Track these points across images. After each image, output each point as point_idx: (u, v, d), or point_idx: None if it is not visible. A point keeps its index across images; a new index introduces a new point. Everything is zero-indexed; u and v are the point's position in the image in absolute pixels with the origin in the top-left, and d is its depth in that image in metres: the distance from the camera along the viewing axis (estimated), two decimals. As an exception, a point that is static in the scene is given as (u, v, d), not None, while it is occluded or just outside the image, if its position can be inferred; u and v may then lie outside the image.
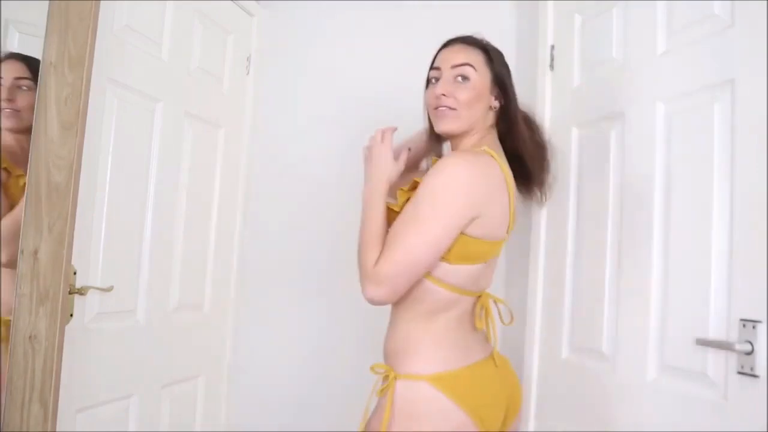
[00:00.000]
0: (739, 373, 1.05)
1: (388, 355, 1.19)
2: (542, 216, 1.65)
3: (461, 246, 1.10)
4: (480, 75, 1.19)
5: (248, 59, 2.09)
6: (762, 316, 1.02)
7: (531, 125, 1.30)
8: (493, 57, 1.22)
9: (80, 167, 1.28)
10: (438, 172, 1.09)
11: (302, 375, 2.01)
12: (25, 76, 1.33)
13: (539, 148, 1.30)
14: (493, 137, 1.23)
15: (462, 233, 1.09)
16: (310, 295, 2.00)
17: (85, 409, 1.42)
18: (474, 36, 1.24)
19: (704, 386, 1.13)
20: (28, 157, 1.22)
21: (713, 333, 1.11)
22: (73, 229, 1.27)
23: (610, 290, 1.38)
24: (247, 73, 2.09)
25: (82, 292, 1.36)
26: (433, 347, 1.13)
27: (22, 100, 1.32)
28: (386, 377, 1.13)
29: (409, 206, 1.10)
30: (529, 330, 1.65)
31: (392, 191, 1.21)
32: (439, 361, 1.12)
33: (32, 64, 1.29)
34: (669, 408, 1.19)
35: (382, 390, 1.13)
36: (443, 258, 1.11)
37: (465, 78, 1.18)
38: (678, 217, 1.22)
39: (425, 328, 1.14)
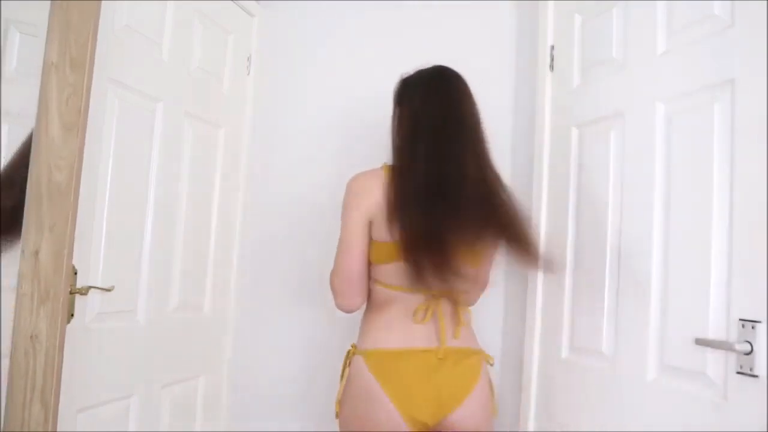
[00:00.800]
0: (739, 373, 1.06)
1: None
2: (542, 215, 1.65)
3: (372, 248, 1.33)
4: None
5: (248, 59, 2.09)
6: (761, 316, 1.03)
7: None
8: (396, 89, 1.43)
9: (81, 167, 1.28)
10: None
11: (302, 375, 2.01)
12: None
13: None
14: None
15: (371, 237, 1.32)
16: (310, 295, 2.00)
17: (86, 409, 1.42)
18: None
19: (704, 386, 1.13)
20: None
21: (713, 333, 1.12)
22: (74, 229, 1.27)
23: (610, 290, 1.38)
24: (248, 73, 2.09)
25: (82, 292, 1.36)
26: (373, 329, 1.36)
27: None
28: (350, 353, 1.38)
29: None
30: (528, 330, 1.65)
31: None
32: (374, 340, 1.34)
33: None
34: (669, 408, 1.20)
35: (346, 360, 1.38)
36: (370, 260, 1.33)
37: None
38: (678, 217, 1.22)
39: (374, 316, 1.37)
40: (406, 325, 1.34)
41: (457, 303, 1.37)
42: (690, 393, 1.15)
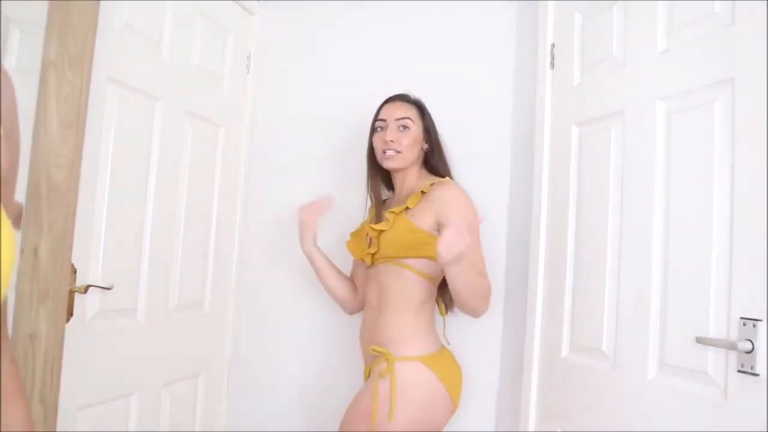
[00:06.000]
0: (740, 371, 1.05)
1: (383, 343, 1.46)
2: (542, 215, 1.65)
3: None
4: (416, 125, 1.58)
5: (248, 58, 2.09)
6: (762, 315, 1.02)
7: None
8: (424, 112, 1.62)
9: (80, 166, 1.28)
10: (460, 200, 1.46)
11: (302, 374, 2.01)
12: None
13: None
14: (425, 169, 1.63)
15: None
16: (310, 294, 2.00)
17: (86, 408, 1.42)
18: (409, 95, 1.63)
19: (704, 385, 1.13)
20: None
21: (713, 331, 1.12)
22: (74, 228, 1.27)
23: (610, 289, 1.38)
24: (247, 72, 2.09)
25: (82, 290, 1.36)
26: (421, 334, 1.46)
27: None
28: (387, 360, 1.41)
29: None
30: (529, 329, 1.65)
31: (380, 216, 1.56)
32: (427, 345, 1.45)
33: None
34: (669, 407, 1.19)
35: (384, 371, 1.40)
36: (428, 256, 1.45)
37: (406, 128, 1.56)
38: (678, 215, 1.22)
39: (414, 318, 1.46)
40: (434, 324, 1.53)
41: None
42: (691, 392, 1.15)
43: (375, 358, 1.48)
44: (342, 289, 1.72)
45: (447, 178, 1.57)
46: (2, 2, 1.27)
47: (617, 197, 1.39)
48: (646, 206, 1.29)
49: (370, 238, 1.54)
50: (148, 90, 1.59)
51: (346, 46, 2.04)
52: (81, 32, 1.25)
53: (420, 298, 1.48)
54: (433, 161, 1.62)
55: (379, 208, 1.59)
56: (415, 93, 1.66)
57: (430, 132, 1.61)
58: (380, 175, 1.65)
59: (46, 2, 1.23)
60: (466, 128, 1.88)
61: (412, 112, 1.59)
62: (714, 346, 1.10)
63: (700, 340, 1.12)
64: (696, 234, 1.17)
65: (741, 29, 1.12)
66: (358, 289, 1.72)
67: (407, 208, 1.49)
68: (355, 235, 1.67)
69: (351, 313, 1.76)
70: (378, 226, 1.50)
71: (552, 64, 1.68)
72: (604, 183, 1.43)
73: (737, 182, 1.10)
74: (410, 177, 1.60)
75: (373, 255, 1.54)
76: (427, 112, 1.63)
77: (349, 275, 1.77)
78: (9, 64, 1.32)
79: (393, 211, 1.50)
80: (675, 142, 1.25)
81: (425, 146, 1.61)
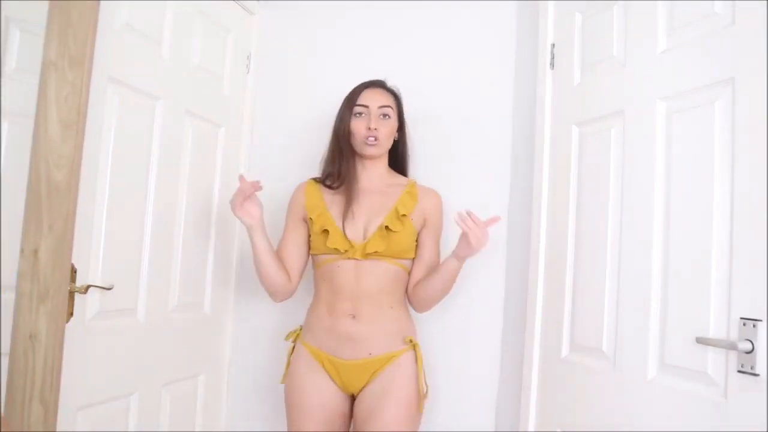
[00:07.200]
0: (740, 371, 1.05)
1: (404, 334, 1.57)
2: (542, 214, 1.65)
3: None
4: (394, 115, 1.61)
5: (248, 57, 2.09)
6: (762, 315, 1.02)
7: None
8: (399, 102, 1.65)
9: (80, 166, 1.28)
10: (441, 211, 1.65)
11: (302, 374, 2.00)
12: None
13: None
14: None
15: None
16: (309, 294, 2.00)
17: (86, 408, 1.42)
18: (386, 82, 1.65)
19: (704, 385, 1.13)
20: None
21: (713, 332, 1.12)
22: (74, 228, 1.27)
23: (610, 289, 1.38)
24: (248, 72, 2.09)
25: (82, 290, 1.36)
26: (410, 319, 1.64)
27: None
28: (414, 349, 1.56)
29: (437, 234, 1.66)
30: (529, 329, 1.65)
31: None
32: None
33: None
34: (669, 407, 1.19)
35: (419, 360, 1.55)
36: (413, 257, 1.60)
37: (386, 116, 1.59)
38: (678, 215, 1.22)
39: (404, 309, 1.62)
40: None
41: None
42: (691, 392, 1.15)
43: (383, 349, 1.53)
44: (280, 275, 1.60)
45: (413, 179, 1.68)
46: (2, 2, 1.27)
47: (617, 197, 1.39)
48: (646, 206, 1.29)
49: (343, 230, 1.52)
50: (148, 90, 1.59)
51: (346, 46, 2.04)
52: (81, 32, 1.25)
53: (405, 294, 1.63)
54: (398, 154, 1.69)
55: (352, 193, 1.56)
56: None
57: (402, 124, 1.66)
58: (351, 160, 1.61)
59: (46, 2, 1.23)
60: (466, 128, 1.88)
61: (391, 101, 1.61)
62: (714, 346, 1.10)
63: (700, 340, 1.12)
64: (696, 234, 1.17)
65: (741, 29, 1.12)
66: (296, 273, 1.65)
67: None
68: (324, 223, 1.55)
69: (280, 301, 1.68)
70: (394, 227, 1.52)
71: (552, 64, 1.68)
72: (604, 183, 1.43)
73: (737, 182, 1.10)
74: (380, 168, 1.64)
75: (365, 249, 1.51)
76: (402, 103, 1.66)
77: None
78: (9, 64, 1.32)
79: (405, 214, 1.55)
80: (675, 142, 1.25)
81: (396, 137, 1.64)
